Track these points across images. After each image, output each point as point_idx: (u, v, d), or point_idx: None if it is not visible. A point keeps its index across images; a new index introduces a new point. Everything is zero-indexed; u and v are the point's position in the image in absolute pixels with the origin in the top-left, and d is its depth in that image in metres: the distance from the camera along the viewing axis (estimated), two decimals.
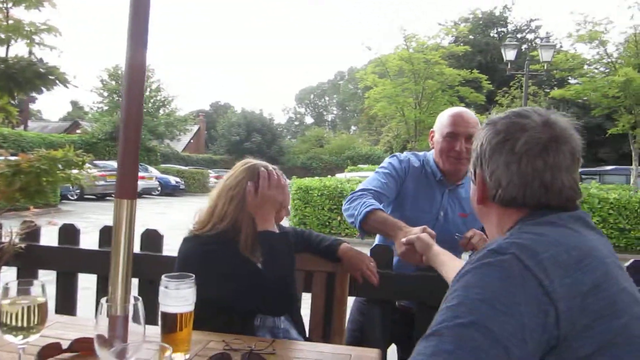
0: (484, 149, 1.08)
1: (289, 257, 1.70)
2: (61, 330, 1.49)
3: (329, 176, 14.58)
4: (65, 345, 1.32)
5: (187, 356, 1.33)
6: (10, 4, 2.33)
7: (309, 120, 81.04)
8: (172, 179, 24.19)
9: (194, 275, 1.36)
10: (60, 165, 2.20)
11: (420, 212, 2.20)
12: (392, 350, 2.36)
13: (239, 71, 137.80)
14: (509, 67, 15.64)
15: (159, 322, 1.33)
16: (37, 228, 2.37)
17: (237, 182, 1.74)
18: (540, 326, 0.81)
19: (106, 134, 26.20)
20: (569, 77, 23.28)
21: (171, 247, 2.28)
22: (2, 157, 2.33)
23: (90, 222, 11.51)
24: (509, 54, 15.24)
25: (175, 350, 1.32)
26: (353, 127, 68.33)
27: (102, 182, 16.96)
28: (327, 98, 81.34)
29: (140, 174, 20.78)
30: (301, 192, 11.67)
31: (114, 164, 20.60)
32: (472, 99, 20.80)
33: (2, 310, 1.11)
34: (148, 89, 29.50)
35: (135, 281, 1.83)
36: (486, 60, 35.56)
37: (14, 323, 1.11)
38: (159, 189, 23.23)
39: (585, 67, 17.65)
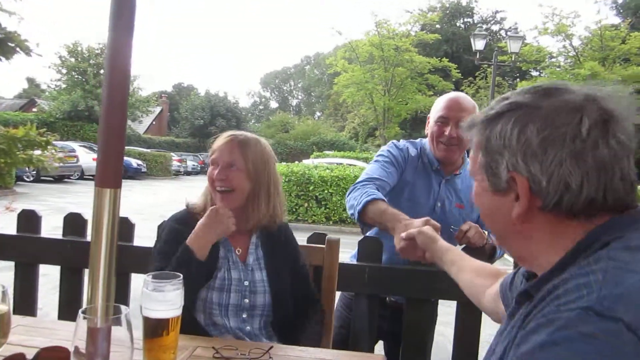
0: (524, 145, 0.79)
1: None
2: (24, 335, 1.30)
3: (296, 162, 14.41)
4: (30, 355, 1.13)
5: None
6: None
7: (273, 104, 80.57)
8: (134, 162, 23.48)
9: (181, 275, 1.19)
10: (20, 145, 1.95)
11: (417, 202, 2.11)
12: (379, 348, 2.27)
13: (203, 52, 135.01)
14: (477, 56, 15.75)
15: (142, 326, 1.16)
16: None
17: None
18: None
19: (64, 113, 25.25)
20: (532, 70, 23.80)
21: (136, 234, 2.15)
22: None
23: (48, 205, 11.09)
24: (478, 44, 15.33)
25: (160, 358, 1.16)
26: (318, 113, 68.29)
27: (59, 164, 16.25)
28: (292, 83, 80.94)
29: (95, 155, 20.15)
30: None
31: (72, 144, 19.85)
32: (440, 87, 21.02)
33: None
34: None
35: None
36: (452, 49, 35.96)
37: None
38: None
39: (551, 59, 18.03)
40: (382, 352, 2.29)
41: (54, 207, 10.87)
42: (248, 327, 1.63)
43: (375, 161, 2.16)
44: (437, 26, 30.88)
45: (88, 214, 2.24)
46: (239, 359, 1.22)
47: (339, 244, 1.93)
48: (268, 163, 1.69)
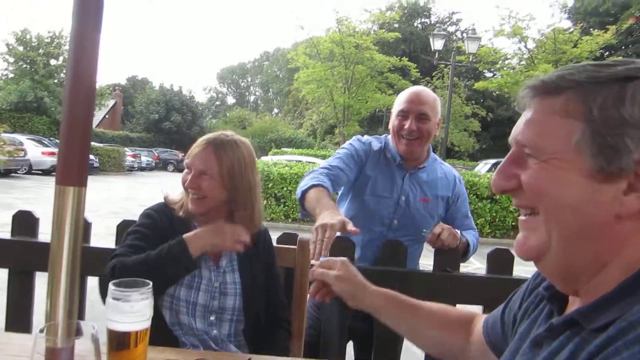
0: (629, 124, 0.62)
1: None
2: None
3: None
4: None
5: None
6: None
7: (230, 100, 79.68)
8: None
9: (150, 283, 1.08)
10: None
11: (380, 197, 2.11)
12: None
13: (157, 44, 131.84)
14: (436, 56, 15.99)
15: (106, 339, 1.05)
16: None
17: None
18: None
19: (11, 104, 24.07)
20: (486, 70, 24.43)
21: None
22: None
23: None
24: (437, 44, 15.56)
25: None
26: (276, 110, 68.02)
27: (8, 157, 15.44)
28: (249, 78, 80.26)
29: (50, 149, 19.28)
30: None
31: (20, 137, 18.93)
32: (400, 86, 21.25)
33: None
34: (60, 58, 27.24)
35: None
36: (410, 49, 36.46)
37: None
38: None
39: (506, 61, 18.55)
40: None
41: (0, 202, 10.30)
42: (215, 331, 1.56)
43: (337, 152, 2.16)
44: (396, 25, 31.29)
45: (39, 212, 2.09)
46: None
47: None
48: (246, 168, 1.60)
